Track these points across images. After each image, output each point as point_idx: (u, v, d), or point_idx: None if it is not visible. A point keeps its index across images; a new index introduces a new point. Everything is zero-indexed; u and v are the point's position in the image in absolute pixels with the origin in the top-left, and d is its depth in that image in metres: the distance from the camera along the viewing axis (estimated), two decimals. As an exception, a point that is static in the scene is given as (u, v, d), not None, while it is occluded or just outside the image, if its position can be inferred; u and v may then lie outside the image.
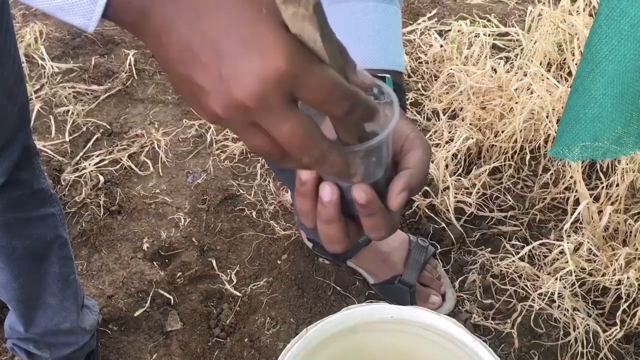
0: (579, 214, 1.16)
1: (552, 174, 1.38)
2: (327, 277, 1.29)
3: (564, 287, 1.11)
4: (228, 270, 1.32)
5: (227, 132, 1.60)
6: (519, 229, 1.32)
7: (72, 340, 1.02)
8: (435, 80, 1.66)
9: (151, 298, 1.27)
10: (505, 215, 1.35)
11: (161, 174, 1.52)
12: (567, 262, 1.11)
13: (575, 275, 1.11)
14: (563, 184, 1.34)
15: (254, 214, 1.41)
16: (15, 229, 0.86)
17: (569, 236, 1.16)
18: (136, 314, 1.25)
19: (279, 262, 1.33)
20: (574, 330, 1.13)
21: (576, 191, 1.21)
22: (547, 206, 1.35)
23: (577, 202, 1.23)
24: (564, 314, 1.15)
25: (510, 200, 1.37)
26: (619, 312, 1.08)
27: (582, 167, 1.23)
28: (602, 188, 1.21)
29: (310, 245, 1.30)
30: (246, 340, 1.20)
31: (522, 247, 1.27)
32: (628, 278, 1.07)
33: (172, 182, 1.51)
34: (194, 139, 1.61)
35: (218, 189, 1.47)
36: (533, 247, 1.25)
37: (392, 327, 0.87)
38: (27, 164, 0.85)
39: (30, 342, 0.99)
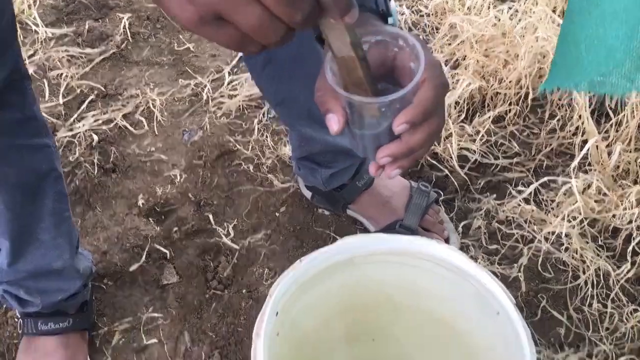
0: (587, 152, 1.11)
1: (558, 119, 1.33)
2: (326, 228, 1.25)
3: (572, 227, 1.07)
4: (225, 224, 1.28)
5: (223, 89, 1.56)
6: (525, 175, 1.27)
7: (63, 285, 0.99)
8: (437, 32, 1.61)
9: (147, 253, 1.23)
10: (511, 162, 1.30)
11: (156, 133, 1.48)
12: (575, 202, 1.06)
13: (584, 216, 1.06)
14: (570, 129, 1.29)
15: (251, 168, 1.37)
16: (8, 155, 0.82)
17: (577, 177, 1.11)
18: (131, 268, 1.21)
19: (277, 214, 1.29)
20: (584, 273, 1.09)
21: (584, 132, 1.16)
22: (554, 152, 1.30)
23: (585, 144, 1.18)
24: (573, 257, 1.10)
25: (515, 147, 1.32)
26: (630, 249, 1.03)
27: (589, 106, 1.18)
28: (611, 125, 1.16)
29: (309, 195, 1.26)
30: (244, 291, 1.17)
31: (529, 194, 1.22)
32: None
33: (168, 140, 1.47)
34: (190, 97, 1.57)
35: (214, 145, 1.43)
36: (540, 192, 1.21)
37: (390, 258, 0.82)
38: (18, 85, 0.82)
39: (21, 288, 0.95)
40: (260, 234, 1.26)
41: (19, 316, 1.05)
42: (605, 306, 1.05)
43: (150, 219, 1.30)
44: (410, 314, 0.85)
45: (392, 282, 0.84)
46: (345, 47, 0.48)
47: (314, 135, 1.04)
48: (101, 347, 1.11)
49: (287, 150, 1.39)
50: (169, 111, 1.54)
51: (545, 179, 1.16)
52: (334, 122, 0.53)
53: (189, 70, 1.63)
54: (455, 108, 1.36)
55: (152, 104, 1.54)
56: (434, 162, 1.31)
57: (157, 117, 1.51)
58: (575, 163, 1.10)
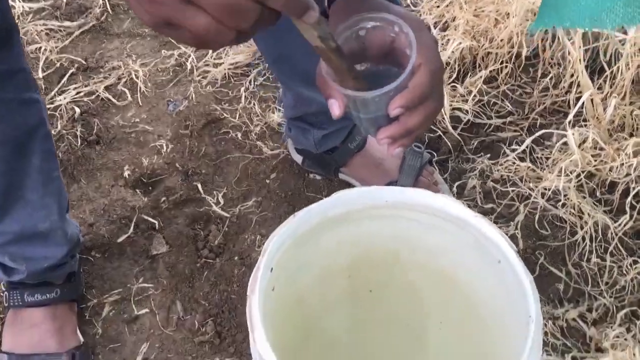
0: (582, 107, 1.09)
1: (551, 77, 1.31)
2: (318, 193, 1.22)
3: (569, 182, 1.05)
4: (215, 193, 1.25)
5: (208, 58, 1.52)
6: (519, 134, 1.25)
7: (49, 252, 0.95)
8: (425, -5, 1.58)
9: (134, 224, 1.20)
10: (504, 122, 1.28)
11: (140, 104, 1.44)
12: (571, 157, 1.04)
13: (581, 169, 1.04)
14: (564, 86, 1.27)
15: (239, 135, 1.34)
16: None
17: (573, 127, 1.09)
18: (119, 240, 1.18)
19: (267, 181, 1.26)
20: (581, 229, 1.07)
21: (578, 88, 1.14)
22: (548, 110, 1.28)
23: (579, 101, 1.16)
24: (571, 212, 1.08)
25: (508, 106, 1.30)
26: (628, 201, 1.02)
27: (583, 61, 1.16)
28: (605, 80, 1.14)
29: (299, 159, 1.23)
30: (236, 258, 1.14)
31: (523, 152, 1.20)
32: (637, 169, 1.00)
33: (152, 111, 1.43)
34: (174, 67, 1.53)
35: (201, 114, 1.39)
36: (534, 151, 1.19)
37: (387, 212, 0.80)
38: (6, 35, 0.79)
39: (6, 254, 0.92)
40: (251, 201, 1.23)
41: (4, 289, 1.02)
42: (604, 260, 1.03)
43: (137, 190, 1.27)
44: (409, 267, 0.82)
45: (390, 236, 0.81)
46: (315, 40, 0.50)
47: (310, 95, 1.01)
48: (91, 320, 1.08)
49: (275, 117, 1.36)
50: (152, 82, 1.50)
51: (542, 131, 1.14)
52: (335, 107, 0.58)
53: (172, 41, 1.59)
54: (446, 69, 1.33)
55: (135, 75, 1.50)
56: (426, 123, 1.28)
57: (140, 88, 1.47)
58: (570, 117, 1.08)
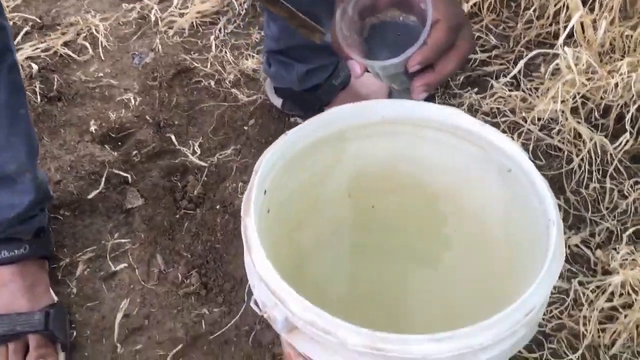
0: (572, 29, 1.05)
1: (535, 9, 1.26)
2: (301, 136, 1.15)
3: (565, 105, 1.00)
4: (190, 143, 1.17)
5: (173, 8, 1.43)
6: (506, 67, 1.21)
7: (17, 199, 0.87)
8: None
9: (105, 179, 1.11)
10: (490, 56, 1.23)
11: (103, 58, 1.35)
12: (566, 77, 1.00)
13: (576, 90, 1.00)
14: (548, 17, 1.23)
15: (212, 84, 1.26)
16: None
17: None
18: (90, 196, 1.09)
19: (245, 128, 1.19)
20: (577, 156, 1.03)
21: (567, 9, 1.09)
22: (533, 42, 1.24)
23: (566, 29, 1.12)
24: (567, 140, 1.04)
25: (493, 40, 1.25)
26: (628, 119, 0.98)
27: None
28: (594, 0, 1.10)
29: (279, 102, 1.16)
30: (218, 207, 1.07)
31: (512, 84, 1.16)
32: (633, 86, 0.96)
33: (117, 65, 1.34)
34: (136, 20, 1.44)
35: (169, 64, 1.31)
36: (523, 82, 1.14)
37: (385, 129, 0.74)
38: None
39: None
40: (230, 149, 1.15)
41: (-34, 248, 0.93)
42: (603, 185, 0.99)
43: (106, 146, 1.18)
44: (410, 188, 0.77)
45: (388, 155, 0.75)
46: None
47: None
48: (64, 279, 1.00)
49: (250, 64, 1.28)
50: (114, 36, 1.40)
51: (536, 51, 1.09)
52: (357, 69, 0.63)
53: (133, -7, 1.49)
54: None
55: (95, 29, 1.40)
56: (409, 60, 1.23)
57: (101, 42, 1.37)
58: (560, 40, 1.04)
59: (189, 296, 0.97)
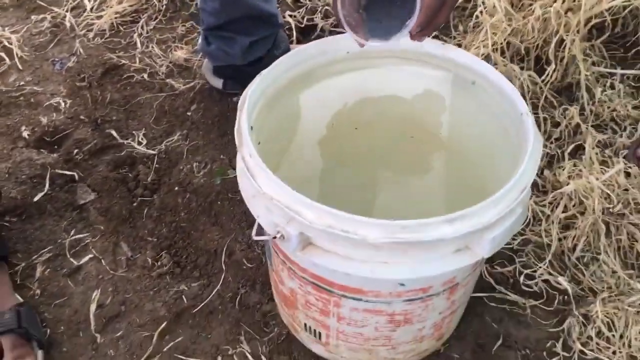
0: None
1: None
2: (247, 112, 1.16)
3: (495, 50, 1.09)
4: (134, 133, 1.15)
5: (87, 12, 1.40)
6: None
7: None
8: None
9: (49, 180, 1.07)
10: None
11: (21, 68, 1.29)
12: (491, 20, 1.08)
13: (502, 32, 1.08)
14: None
15: (145, 77, 1.24)
16: None
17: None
18: (35, 199, 1.04)
19: (188, 113, 1.18)
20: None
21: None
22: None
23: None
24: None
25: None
26: (551, 50, 1.07)
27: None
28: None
29: (219, 83, 1.17)
30: (177, 189, 1.05)
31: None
32: (553, 13, 1.05)
33: (37, 72, 1.29)
34: (50, 29, 1.39)
35: (96, 64, 1.28)
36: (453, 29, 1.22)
37: (351, 65, 0.77)
38: None
39: None
40: (176, 135, 1.14)
41: None
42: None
43: (42, 150, 1.13)
44: (386, 119, 0.80)
45: (360, 89, 0.79)
46: None
47: None
48: (23, 284, 0.94)
49: (180, 54, 1.28)
50: (29, 46, 1.35)
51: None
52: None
53: (43, 4, 1.45)
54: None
55: (8, 42, 1.34)
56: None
57: (17, 53, 1.32)
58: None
59: (164, 276, 0.95)
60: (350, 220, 0.56)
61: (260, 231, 0.64)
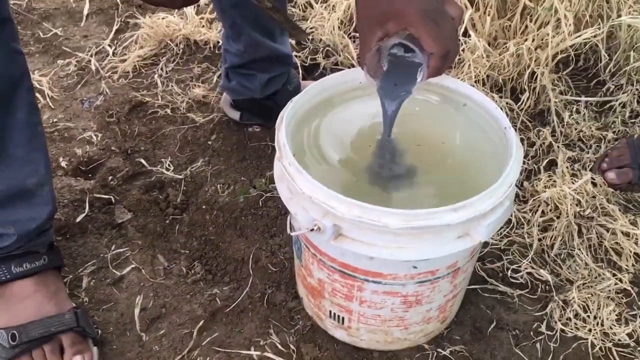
0: (464, 26, 1.32)
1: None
2: (262, 141, 1.31)
3: (477, 82, 1.26)
4: (161, 161, 1.29)
5: (111, 56, 1.55)
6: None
7: (35, 212, 0.94)
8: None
9: (89, 203, 1.20)
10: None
11: (53, 107, 1.44)
12: (472, 57, 1.25)
13: (477, 72, 1.26)
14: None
15: (168, 112, 1.40)
16: None
17: (466, 42, 1.32)
18: (77, 220, 1.17)
19: (209, 143, 1.33)
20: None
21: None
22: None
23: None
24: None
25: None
26: (525, 79, 1.25)
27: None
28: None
29: (237, 115, 1.32)
30: (204, 207, 1.19)
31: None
32: (525, 50, 1.23)
33: (68, 110, 1.44)
34: (77, 72, 1.54)
35: (122, 102, 1.43)
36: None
37: (363, 92, 0.93)
38: None
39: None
40: (199, 162, 1.29)
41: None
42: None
43: (80, 177, 1.27)
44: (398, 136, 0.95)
45: (368, 113, 0.94)
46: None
47: (260, 40, 1.12)
48: (72, 293, 1.06)
49: (198, 91, 1.43)
50: (58, 87, 1.50)
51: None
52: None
53: (67, 50, 1.60)
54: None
55: (38, 84, 1.49)
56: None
57: (47, 94, 1.46)
58: (460, 33, 1.30)
59: (198, 282, 1.08)
60: (375, 210, 0.71)
61: (292, 229, 0.78)
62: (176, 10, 1.54)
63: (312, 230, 0.75)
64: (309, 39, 1.02)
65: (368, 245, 0.75)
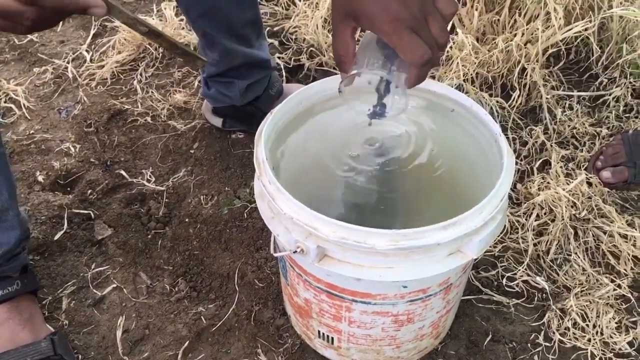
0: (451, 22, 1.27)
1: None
2: (246, 148, 1.27)
3: (464, 81, 1.22)
4: (142, 172, 1.24)
5: (88, 62, 1.50)
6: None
7: (4, 237, 0.90)
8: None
9: (67, 219, 1.16)
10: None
11: (29, 117, 1.39)
12: (460, 55, 1.21)
13: (467, 69, 1.22)
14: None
15: (148, 120, 1.35)
16: None
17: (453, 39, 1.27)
18: (56, 237, 1.13)
19: (191, 151, 1.28)
20: (480, 121, 1.24)
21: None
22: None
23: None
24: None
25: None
26: (515, 78, 1.21)
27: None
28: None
29: (219, 122, 1.27)
30: (187, 220, 1.15)
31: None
32: (515, 46, 1.19)
33: (45, 121, 1.39)
34: (54, 80, 1.49)
35: (100, 111, 1.38)
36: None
37: (342, 101, 0.88)
38: None
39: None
40: (182, 172, 1.24)
41: (-44, 294, 0.93)
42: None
43: (57, 192, 1.22)
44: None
45: (349, 120, 0.90)
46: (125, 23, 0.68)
47: (235, 48, 1.07)
48: (51, 315, 1.02)
49: (179, 97, 1.39)
50: (34, 96, 1.45)
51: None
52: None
53: (43, 57, 1.55)
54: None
55: (14, 93, 1.44)
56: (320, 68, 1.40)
57: (23, 104, 1.41)
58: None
59: (182, 300, 1.04)
60: (361, 232, 0.67)
61: (277, 249, 0.74)
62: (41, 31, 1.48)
63: (295, 252, 0.71)
64: (206, 65, 0.99)
65: (355, 266, 0.71)
